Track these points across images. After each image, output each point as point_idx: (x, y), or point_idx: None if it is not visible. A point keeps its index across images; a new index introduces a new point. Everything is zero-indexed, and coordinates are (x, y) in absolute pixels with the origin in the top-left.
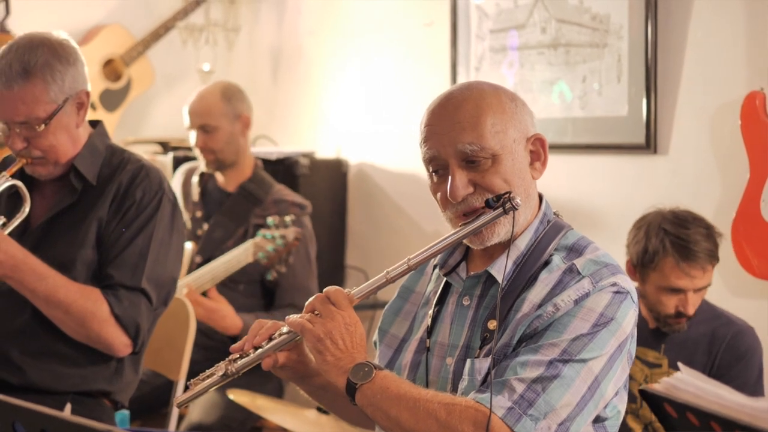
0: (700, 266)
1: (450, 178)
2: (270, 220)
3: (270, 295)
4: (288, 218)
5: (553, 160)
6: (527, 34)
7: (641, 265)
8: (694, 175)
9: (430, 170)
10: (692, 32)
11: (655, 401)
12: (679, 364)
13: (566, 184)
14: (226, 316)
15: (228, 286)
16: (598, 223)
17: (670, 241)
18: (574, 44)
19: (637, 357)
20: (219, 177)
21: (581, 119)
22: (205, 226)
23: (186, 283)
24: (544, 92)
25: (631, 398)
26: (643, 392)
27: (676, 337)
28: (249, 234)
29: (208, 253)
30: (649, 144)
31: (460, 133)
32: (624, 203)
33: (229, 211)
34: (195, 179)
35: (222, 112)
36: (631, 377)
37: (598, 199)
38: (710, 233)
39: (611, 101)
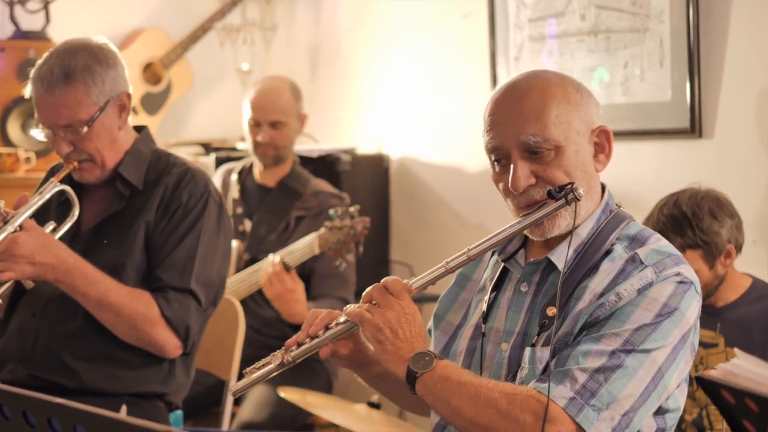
0: None
1: (512, 168)
2: (333, 211)
3: (305, 287)
4: (353, 208)
5: None
6: (566, 21)
7: None
8: (741, 157)
9: (492, 159)
10: (735, 13)
11: (712, 388)
12: (736, 350)
13: (611, 171)
14: (299, 300)
15: None
16: (644, 209)
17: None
18: (614, 30)
19: None
20: (257, 173)
21: (624, 105)
22: (246, 222)
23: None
24: (585, 79)
25: (688, 381)
26: (699, 379)
27: (731, 316)
28: (290, 226)
29: (254, 250)
30: (694, 128)
31: (523, 124)
32: (670, 188)
33: (271, 207)
34: (234, 177)
35: (292, 110)
36: None
37: (644, 185)
38: (689, 223)
39: (654, 86)
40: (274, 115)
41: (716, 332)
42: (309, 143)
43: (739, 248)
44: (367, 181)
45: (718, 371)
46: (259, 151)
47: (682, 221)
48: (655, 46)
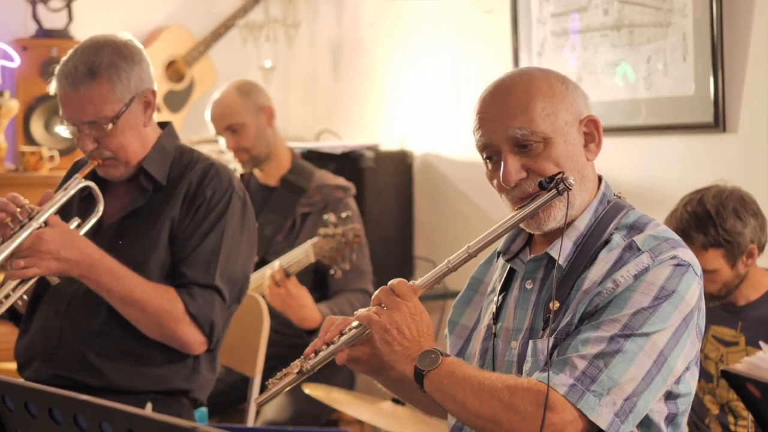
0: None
1: (503, 164)
2: (326, 217)
3: (322, 285)
4: (345, 215)
5: (621, 142)
6: (589, 16)
7: None
8: (765, 151)
9: (484, 157)
10: (758, 6)
11: (737, 382)
12: (761, 343)
13: (634, 167)
14: (305, 305)
15: None
16: (668, 203)
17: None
18: (637, 24)
19: (713, 336)
20: (258, 173)
21: (647, 100)
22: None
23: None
24: (608, 74)
25: (708, 377)
26: (725, 373)
27: (753, 315)
28: (297, 224)
29: (262, 251)
30: (718, 122)
31: (510, 119)
32: (693, 183)
33: (275, 206)
34: None
35: (243, 108)
36: (706, 356)
37: (668, 180)
38: (713, 222)
39: (677, 81)
40: (226, 121)
41: (737, 330)
42: (332, 140)
43: (762, 248)
44: (391, 177)
45: (743, 365)
46: (237, 159)
47: (706, 220)
48: (678, 40)
